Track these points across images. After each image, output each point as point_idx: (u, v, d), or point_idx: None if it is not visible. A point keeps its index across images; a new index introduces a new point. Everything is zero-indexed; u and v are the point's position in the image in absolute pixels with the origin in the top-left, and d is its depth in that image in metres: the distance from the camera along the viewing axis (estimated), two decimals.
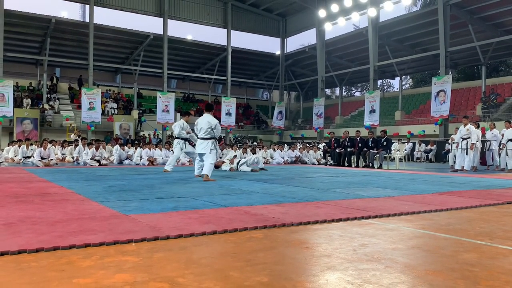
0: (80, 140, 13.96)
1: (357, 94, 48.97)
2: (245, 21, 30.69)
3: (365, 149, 13.12)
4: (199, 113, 31.26)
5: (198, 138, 7.56)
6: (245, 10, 30.41)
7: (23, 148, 13.35)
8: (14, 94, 22.65)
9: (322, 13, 26.47)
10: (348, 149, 13.62)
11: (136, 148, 14.52)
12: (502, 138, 11.83)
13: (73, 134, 20.52)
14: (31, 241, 2.35)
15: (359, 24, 29.84)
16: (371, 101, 23.88)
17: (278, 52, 33.17)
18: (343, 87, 37.84)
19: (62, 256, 2.11)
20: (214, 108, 8.14)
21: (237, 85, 36.13)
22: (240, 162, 10.64)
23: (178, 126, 9.44)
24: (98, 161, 12.18)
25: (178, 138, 9.55)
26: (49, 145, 13.43)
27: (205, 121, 7.41)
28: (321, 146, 18.50)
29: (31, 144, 13.84)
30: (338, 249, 2.33)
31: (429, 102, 22.50)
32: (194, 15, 28.50)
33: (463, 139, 11.20)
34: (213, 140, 7.39)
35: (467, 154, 11.02)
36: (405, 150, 17.10)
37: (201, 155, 7.49)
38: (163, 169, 9.47)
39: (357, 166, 13.24)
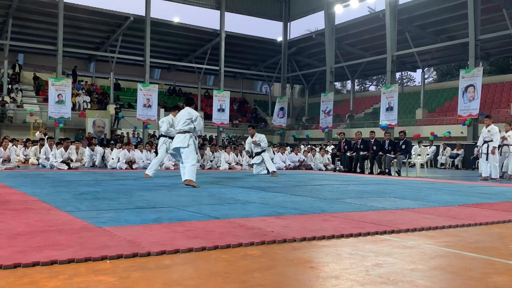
0: (46, 139, 13.94)
1: (372, 88, 49.12)
2: (241, 2, 30.72)
3: (380, 153, 13.15)
4: None
5: (176, 133, 7.69)
6: None
7: None
8: None
9: None
10: (361, 153, 13.64)
11: (112, 150, 14.49)
12: None
13: (38, 132, 20.46)
14: None
15: (375, 6, 29.87)
16: (388, 96, 23.93)
17: (280, 39, 33.22)
18: (356, 80, 37.90)
19: (24, 274, 2.10)
20: (195, 103, 8.27)
21: (232, 76, 36.14)
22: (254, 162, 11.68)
23: (167, 122, 9.48)
24: (68, 164, 12.18)
25: (164, 136, 9.56)
26: (10, 144, 13.40)
27: (186, 112, 7.59)
28: (329, 148, 18.54)
29: None
30: (348, 270, 2.34)
31: (456, 98, 22.56)
32: None
33: (485, 142, 11.28)
34: (191, 134, 7.46)
35: (487, 159, 11.10)
36: (428, 154, 17.16)
37: (178, 152, 7.54)
38: (143, 174, 9.47)
39: (371, 172, 13.27)
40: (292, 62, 34.11)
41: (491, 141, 11.11)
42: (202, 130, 7.83)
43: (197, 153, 7.68)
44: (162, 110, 27.66)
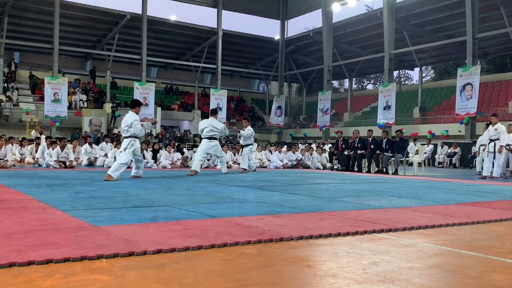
0: (44, 139, 13.91)
1: (370, 87, 49.21)
2: (239, 0, 30.72)
3: (378, 151, 13.17)
4: (184, 107, 31.25)
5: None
6: None
7: None
8: None
9: None
10: (358, 152, 13.66)
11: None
12: None
13: (34, 131, 20.39)
14: None
15: (373, 4, 30.01)
16: (385, 95, 23.97)
17: (277, 37, 33.21)
18: (353, 79, 37.94)
19: (19, 273, 2.09)
20: (140, 105, 8.86)
21: (229, 74, 36.14)
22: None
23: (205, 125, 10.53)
24: (64, 162, 12.15)
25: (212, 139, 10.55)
26: (10, 144, 13.34)
27: (124, 119, 8.37)
28: (326, 147, 18.55)
29: None
30: (345, 268, 2.34)
31: (454, 97, 22.62)
32: None
33: (491, 140, 11.29)
34: (130, 139, 8.18)
35: (494, 158, 11.11)
36: (425, 153, 17.19)
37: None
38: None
39: (369, 171, 13.28)
40: (289, 61, 34.11)
41: (498, 139, 11.12)
42: (139, 133, 8.37)
43: (133, 149, 8.23)
44: (159, 109, 27.65)
